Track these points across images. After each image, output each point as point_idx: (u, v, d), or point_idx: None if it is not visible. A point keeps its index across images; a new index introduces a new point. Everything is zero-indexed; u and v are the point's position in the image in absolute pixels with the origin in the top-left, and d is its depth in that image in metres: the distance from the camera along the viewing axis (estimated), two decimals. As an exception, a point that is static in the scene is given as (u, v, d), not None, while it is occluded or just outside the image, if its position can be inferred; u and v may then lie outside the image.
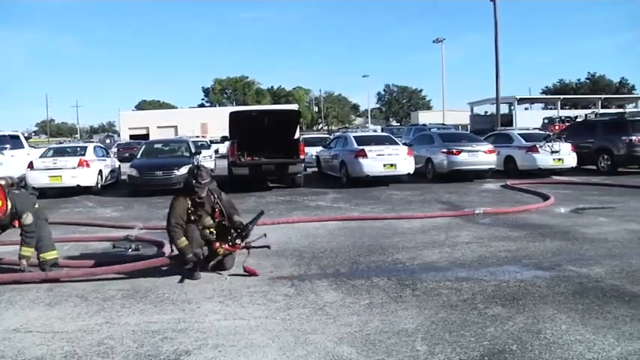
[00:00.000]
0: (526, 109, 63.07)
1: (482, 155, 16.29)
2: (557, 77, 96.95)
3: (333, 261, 6.62)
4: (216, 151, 29.79)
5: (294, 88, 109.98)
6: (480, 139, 18.22)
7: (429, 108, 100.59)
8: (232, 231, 6.17)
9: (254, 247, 6.27)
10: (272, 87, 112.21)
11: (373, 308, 4.88)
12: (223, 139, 24.14)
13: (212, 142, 32.43)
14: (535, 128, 29.69)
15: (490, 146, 16.76)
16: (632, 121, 20.30)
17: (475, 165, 16.19)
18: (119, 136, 72.89)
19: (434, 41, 53.92)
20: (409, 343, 4.05)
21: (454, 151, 16.17)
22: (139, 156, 17.41)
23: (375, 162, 15.10)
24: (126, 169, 16.74)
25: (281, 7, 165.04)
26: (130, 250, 7.22)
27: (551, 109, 60.75)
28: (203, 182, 6.11)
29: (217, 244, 6.09)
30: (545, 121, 45.77)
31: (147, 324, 4.62)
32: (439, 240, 7.72)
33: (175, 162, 16.03)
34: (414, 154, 16.15)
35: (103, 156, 18.09)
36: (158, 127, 69.78)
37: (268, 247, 6.38)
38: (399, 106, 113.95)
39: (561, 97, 65.54)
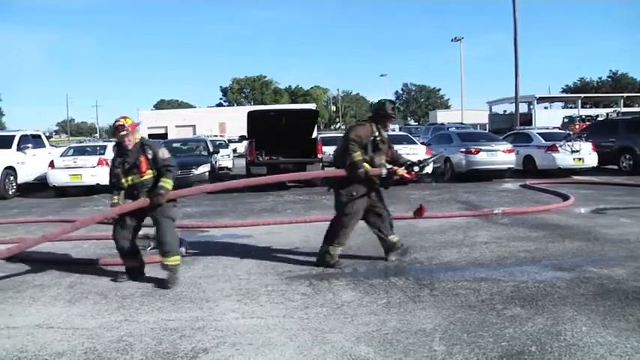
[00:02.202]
0: (545, 108, 62.42)
1: (501, 155, 16.16)
2: (577, 76, 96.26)
3: (350, 260, 6.61)
4: (234, 150, 29.90)
5: (311, 88, 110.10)
6: (499, 139, 18.08)
7: (447, 107, 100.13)
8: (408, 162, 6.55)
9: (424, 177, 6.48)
10: (290, 86, 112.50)
11: (391, 308, 4.87)
12: (241, 139, 24.27)
13: (230, 141, 32.54)
14: (555, 127, 29.46)
15: (509, 146, 16.63)
16: (656, 120, 19.96)
17: (494, 164, 16.06)
18: (138, 135, 73.38)
19: (452, 40, 53.75)
20: (427, 343, 4.04)
21: (473, 150, 16.06)
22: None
23: (394, 161, 14.99)
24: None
25: (298, 6, 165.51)
26: (149, 248, 7.27)
27: (571, 108, 60.10)
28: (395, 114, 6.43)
29: (397, 168, 6.33)
30: (565, 120, 45.31)
31: (165, 322, 4.66)
32: (457, 240, 7.68)
33: (194, 161, 16.15)
34: (433, 153, 16.06)
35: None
36: (176, 126, 70.15)
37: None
38: (417, 105, 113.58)
39: (582, 95, 64.83)
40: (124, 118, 5.94)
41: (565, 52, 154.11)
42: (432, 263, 6.45)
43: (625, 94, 63.94)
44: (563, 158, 16.45)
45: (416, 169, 6.43)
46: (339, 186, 6.32)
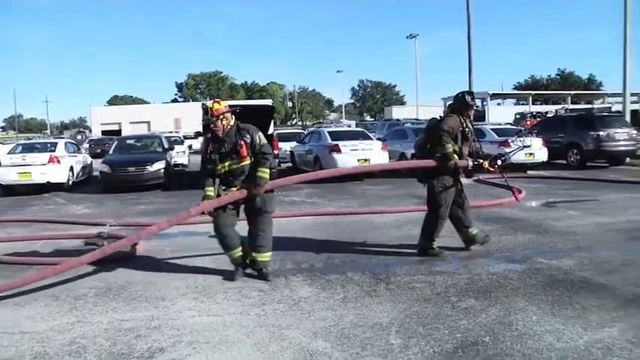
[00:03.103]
0: (498, 104, 63.87)
1: (455, 150, 16.41)
2: (528, 73, 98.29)
3: (307, 256, 6.63)
4: (190, 147, 29.55)
5: (268, 84, 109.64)
6: (453, 134, 18.38)
7: (402, 103, 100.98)
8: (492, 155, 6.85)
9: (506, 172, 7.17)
10: (246, 82, 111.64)
11: (348, 303, 4.90)
12: (197, 135, 23.98)
13: (185, 137, 32.13)
14: (507, 123, 30.14)
15: (463, 141, 16.91)
16: (600, 117, 20.88)
17: (449, 159, 16.28)
18: (90, 131, 71.79)
19: (408, 37, 54.30)
20: (383, 336, 4.09)
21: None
22: (111, 152, 17.20)
23: (348, 157, 15.14)
24: (98, 165, 16.50)
25: (255, 1, 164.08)
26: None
27: (522, 104, 61.67)
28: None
29: (482, 161, 6.61)
30: (517, 116, 46.51)
31: (120, 322, 4.58)
32: (413, 234, 7.74)
33: (148, 158, 15.85)
34: (388, 149, 16.25)
35: (74, 152, 17.83)
36: (131, 122, 68.98)
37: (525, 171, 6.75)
38: (373, 102, 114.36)
39: (533, 92, 66.50)
40: (217, 102, 5.73)
41: (517, 50, 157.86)
42: (388, 258, 6.52)
43: (572, 92, 65.88)
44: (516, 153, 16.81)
45: (499, 162, 6.72)
46: (431, 177, 6.49)
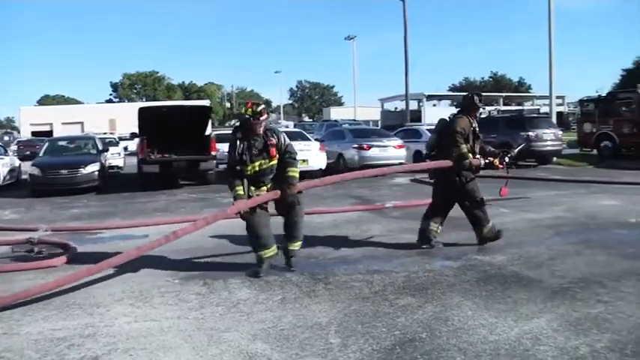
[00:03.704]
0: (434, 105, 65.15)
1: (392, 150, 16.79)
2: (463, 76, 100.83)
3: (245, 257, 6.58)
4: (125, 148, 28.81)
5: (205, 84, 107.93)
6: (390, 135, 18.75)
7: (340, 104, 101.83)
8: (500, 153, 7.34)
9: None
10: (183, 82, 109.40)
11: (286, 304, 4.91)
12: (132, 136, 23.44)
13: (121, 138, 31.30)
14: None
15: (400, 141, 17.29)
16: (529, 118, 21.81)
17: (385, 160, 16.62)
18: (19, 132, 68.75)
19: (346, 38, 54.86)
20: (322, 336, 4.11)
21: (365, 146, 16.56)
22: (41, 154, 16.58)
23: (286, 157, 15.11)
24: (27, 167, 15.87)
25: (193, 0, 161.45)
26: (33, 253, 6.84)
27: (457, 105, 63.25)
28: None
29: (492, 159, 7.11)
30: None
31: (51, 331, 4.40)
32: (351, 234, 7.86)
33: (81, 160, 15.38)
34: (326, 149, 16.37)
35: (1, 154, 17.05)
36: (63, 123, 66.34)
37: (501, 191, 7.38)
38: (311, 102, 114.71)
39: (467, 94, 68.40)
40: (257, 104, 5.84)
41: (452, 52, 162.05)
42: (327, 258, 6.57)
43: (504, 94, 68.20)
44: None
45: (506, 159, 7.26)
46: (445, 175, 6.92)
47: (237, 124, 6.10)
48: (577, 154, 21.68)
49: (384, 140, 17.28)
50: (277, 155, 5.85)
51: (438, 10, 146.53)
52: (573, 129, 22.52)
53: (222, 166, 19.08)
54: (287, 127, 36.99)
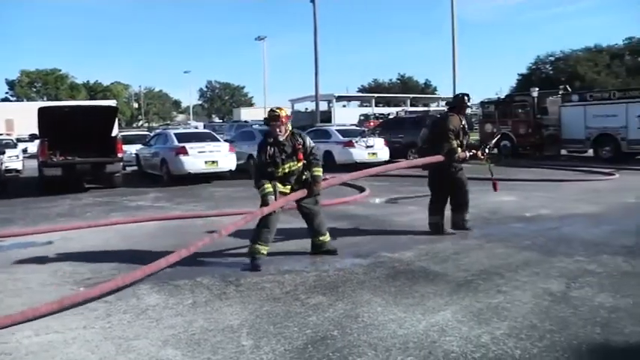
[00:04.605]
0: (344, 106, 66.28)
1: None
2: (372, 77, 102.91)
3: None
4: (25, 150, 27.23)
5: (112, 83, 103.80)
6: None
7: (251, 105, 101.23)
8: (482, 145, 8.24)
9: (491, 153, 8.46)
10: (88, 81, 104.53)
11: (197, 307, 4.80)
12: (32, 138, 22.16)
13: (19, 140, 29.53)
14: (352, 124, 31.49)
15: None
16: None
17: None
18: None
19: (256, 39, 54.65)
20: (234, 339, 4.05)
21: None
22: None
23: (196, 159, 14.96)
24: None
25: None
26: None
27: (366, 106, 64.53)
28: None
29: (475, 152, 7.85)
30: (361, 117, 48.74)
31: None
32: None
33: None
34: (236, 150, 16.25)
35: None
36: (-49, 124, 61.77)
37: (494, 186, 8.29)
38: (221, 103, 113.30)
39: (375, 95, 69.94)
40: (280, 109, 6.30)
41: (361, 54, 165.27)
42: (238, 259, 6.48)
43: (411, 95, 70.51)
44: (359, 153, 17.67)
45: (487, 150, 8.07)
46: (438, 169, 7.59)
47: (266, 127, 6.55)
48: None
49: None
50: (303, 158, 6.33)
51: (348, 12, 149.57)
52: (476, 129, 23.53)
53: (129, 169, 18.58)
54: (197, 127, 36.35)
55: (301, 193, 6.36)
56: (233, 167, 15.63)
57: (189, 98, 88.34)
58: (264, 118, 6.52)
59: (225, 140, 18.12)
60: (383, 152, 18.09)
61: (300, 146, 6.30)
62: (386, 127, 21.31)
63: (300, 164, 6.36)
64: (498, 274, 5.53)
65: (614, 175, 14.30)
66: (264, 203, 6.15)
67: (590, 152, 19.65)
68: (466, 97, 7.85)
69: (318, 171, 6.42)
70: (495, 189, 8.29)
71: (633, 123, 17.93)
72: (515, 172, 15.50)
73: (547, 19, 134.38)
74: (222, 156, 15.33)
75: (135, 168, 18.92)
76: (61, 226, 8.87)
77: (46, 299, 5.09)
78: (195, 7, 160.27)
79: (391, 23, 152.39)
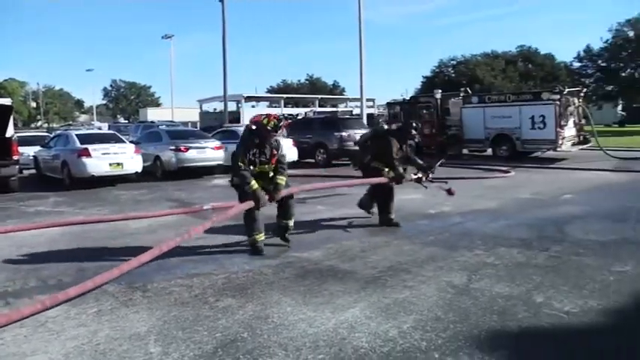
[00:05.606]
0: (253, 106, 65.69)
1: (210, 152, 16.68)
2: (281, 78, 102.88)
3: (55, 271, 6.08)
4: None
5: (6, 80, 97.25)
6: (208, 136, 18.60)
7: (158, 105, 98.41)
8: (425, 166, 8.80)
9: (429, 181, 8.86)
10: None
11: (102, 316, 4.62)
12: None
13: None
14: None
15: (218, 143, 17.20)
16: (343, 119, 23.12)
17: (204, 161, 16.57)
18: None
19: (163, 37, 53.28)
20: (142, 346, 3.95)
21: (182, 148, 16.28)
22: None
23: (100, 161, 14.38)
24: None
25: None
26: None
27: (275, 107, 64.46)
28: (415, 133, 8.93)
29: (420, 175, 8.72)
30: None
31: None
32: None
33: None
34: (142, 152, 15.79)
35: None
36: None
37: (450, 192, 8.84)
38: (127, 103, 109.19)
39: (284, 96, 70.08)
40: (278, 119, 6.81)
41: (270, 55, 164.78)
42: (145, 264, 6.30)
43: (320, 96, 71.17)
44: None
45: (429, 173, 8.68)
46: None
47: (254, 127, 6.77)
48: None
49: (201, 142, 17.11)
50: (275, 163, 6.86)
51: (257, 12, 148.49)
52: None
53: (27, 172, 17.54)
54: (100, 128, 34.83)
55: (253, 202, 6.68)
56: (139, 169, 15.17)
57: (93, 98, 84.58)
58: (264, 125, 6.66)
59: (131, 141, 17.55)
60: (292, 152, 17.80)
61: (276, 152, 6.81)
62: (294, 128, 21.41)
63: (272, 167, 6.86)
64: (405, 270, 5.73)
65: (510, 172, 15.23)
66: (255, 198, 6.55)
67: (490, 151, 20.73)
68: (413, 130, 8.70)
69: (282, 180, 6.83)
70: (452, 192, 8.86)
71: (526, 124, 19.14)
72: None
73: (455, 26, 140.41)
74: (127, 158, 14.85)
75: (33, 171, 17.91)
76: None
77: None
78: (99, 3, 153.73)
79: (300, 24, 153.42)
